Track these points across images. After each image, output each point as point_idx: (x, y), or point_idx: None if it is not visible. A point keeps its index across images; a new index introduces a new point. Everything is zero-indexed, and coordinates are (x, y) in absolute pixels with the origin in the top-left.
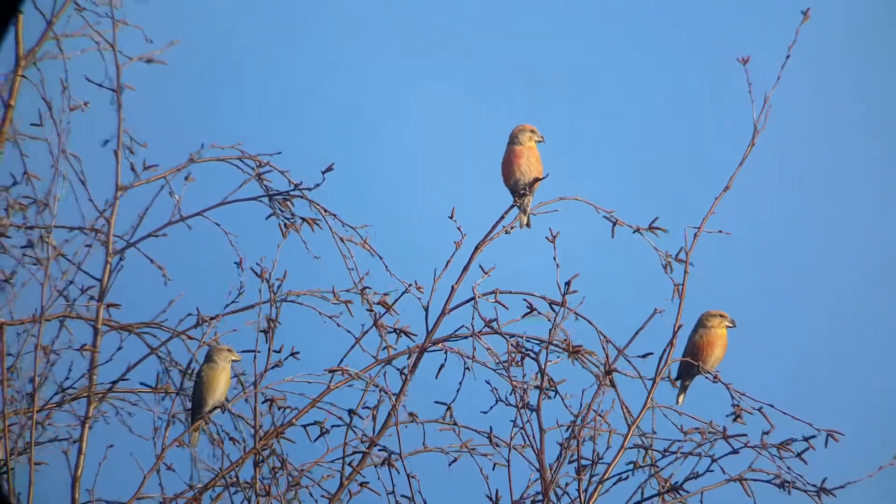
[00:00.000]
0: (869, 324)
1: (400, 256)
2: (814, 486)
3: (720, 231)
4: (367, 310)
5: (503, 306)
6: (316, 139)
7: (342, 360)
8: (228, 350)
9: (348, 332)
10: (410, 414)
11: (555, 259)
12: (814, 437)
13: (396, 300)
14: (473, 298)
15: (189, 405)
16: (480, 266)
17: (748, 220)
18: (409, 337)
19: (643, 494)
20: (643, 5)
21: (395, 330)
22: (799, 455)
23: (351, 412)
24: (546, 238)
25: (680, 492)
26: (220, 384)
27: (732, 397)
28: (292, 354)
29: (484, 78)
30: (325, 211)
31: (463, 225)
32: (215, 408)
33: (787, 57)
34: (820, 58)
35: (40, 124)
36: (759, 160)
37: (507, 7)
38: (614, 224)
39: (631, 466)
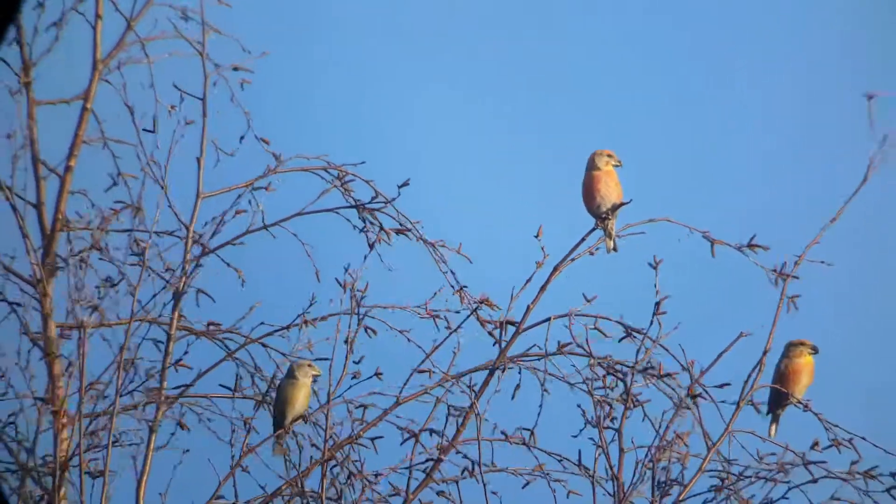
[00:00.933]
0: None
1: (468, 277)
2: None
3: (822, 262)
4: (454, 311)
5: (604, 335)
6: (392, 153)
7: (411, 376)
8: (309, 365)
9: (418, 346)
10: (502, 430)
11: (656, 286)
12: None
13: (475, 308)
14: (549, 319)
15: (272, 417)
16: (584, 294)
17: (851, 250)
18: (513, 326)
19: None
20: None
21: (501, 323)
22: (888, 490)
23: (434, 432)
24: (649, 264)
25: None
26: (299, 399)
27: (826, 428)
28: (376, 374)
29: (566, 96)
30: (409, 222)
31: (546, 246)
32: (297, 418)
33: None
34: None
35: (153, 131)
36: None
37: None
38: (712, 243)
39: (711, 488)
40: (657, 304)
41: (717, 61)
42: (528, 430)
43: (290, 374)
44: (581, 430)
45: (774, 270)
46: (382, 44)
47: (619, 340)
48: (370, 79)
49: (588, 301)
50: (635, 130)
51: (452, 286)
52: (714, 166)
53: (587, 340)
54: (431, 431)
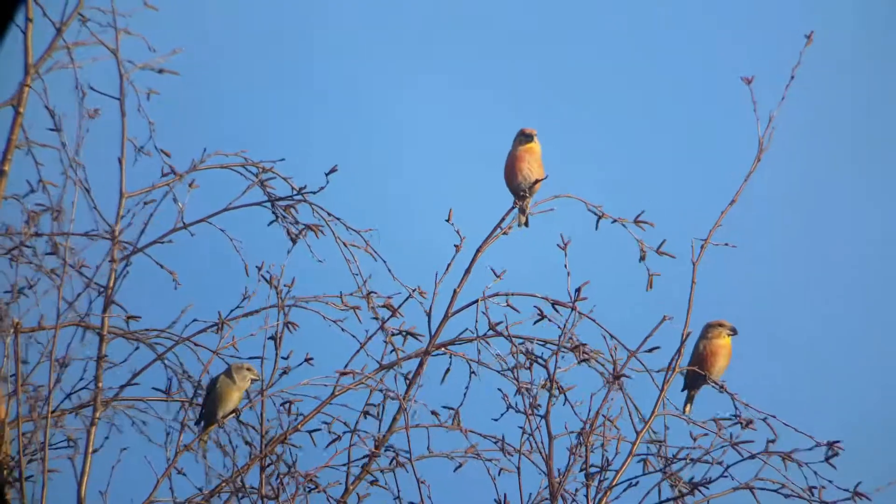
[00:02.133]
0: (872, 332)
1: (404, 260)
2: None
3: (726, 244)
4: (371, 316)
5: (515, 310)
6: (318, 144)
7: (347, 365)
8: (248, 369)
9: (353, 336)
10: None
11: (566, 266)
12: (818, 445)
13: (401, 304)
14: (477, 301)
15: (198, 413)
16: (492, 269)
17: (754, 230)
18: (415, 338)
19: (660, 496)
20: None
21: (400, 332)
22: (826, 459)
23: (368, 413)
24: (557, 245)
25: (697, 492)
26: (233, 401)
27: (737, 408)
28: (307, 360)
29: (485, 76)
30: (329, 215)
31: (464, 227)
32: (228, 414)
33: (792, 78)
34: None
35: (57, 129)
36: (766, 171)
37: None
38: (599, 217)
39: (642, 468)
40: (577, 289)
41: (725, 74)
42: (453, 409)
43: (228, 375)
44: (502, 415)
45: (643, 247)
46: (378, 42)
47: (535, 323)
48: (366, 80)
49: (498, 277)
50: (616, 116)
51: (360, 288)
52: (720, 177)
53: (506, 326)
54: (366, 413)
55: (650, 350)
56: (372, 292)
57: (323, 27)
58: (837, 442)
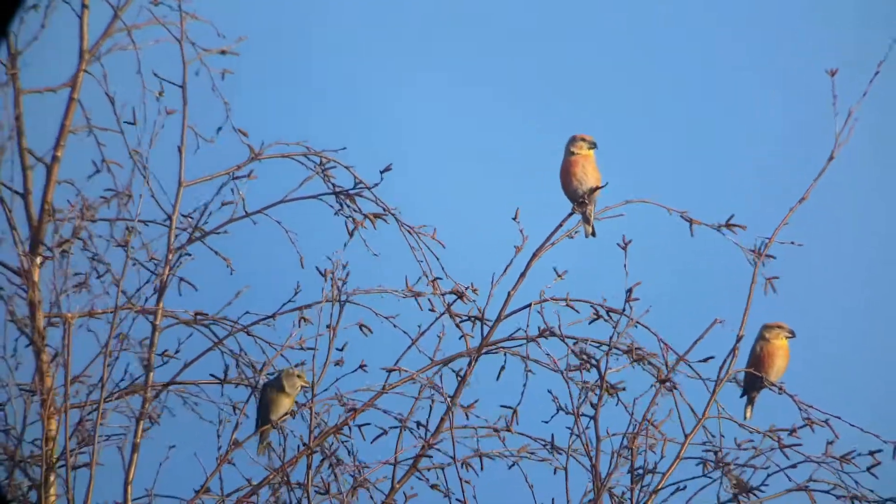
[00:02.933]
0: None
1: (454, 261)
2: (880, 498)
3: (792, 242)
4: (428, 308)
5: (575, 310)
6: (375, 138)
7: (398, 360)
8: (299, 376)
9: (404, 332)
10: (465, 409)
11: (625, 267)
12: (880, 450)
13: (466, 289)
14: (531, 305)
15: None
16: (554, 269)
17: (822, 230)
18: (483, 322)
19: (718, 500)
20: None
21: (469, 317)
22: (868, 469)
23: (414, 423)
24: (617, 244)
25: (748, 495)
26: (283, 408)
27: (800, 409)
28: (361, 367)
29: (486, 73)
30: (387, 209)
31: (523, 229)
32: (283, 416)
33: (876, 73)
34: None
35: (134, 122)
36: (837, 172)
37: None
38: (691, 223)
39: (701, 469)
40: (629, 290)
41: (697, 42)
42: (511, 408)
43: (278, 382)
44: (553, 417)
45: (752, 250)
46: (368, 30)
47: (589, 323)
48: (355, 65)
49: (559, 276)
50: (615, 114)
51: (427, 275)
52: (690, 149)
53: (559, 326)
54: (418, 424)
55: (705, 360)
56: (438, 278)
57: (322, 24)
58: (879, 451)
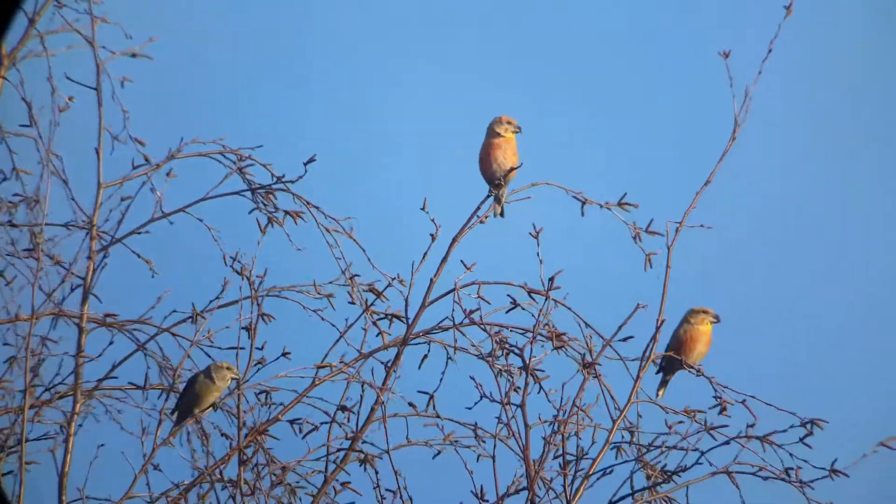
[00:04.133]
0: (854, 314)
1: (381, 249)
2: (800, 481)
3: (702, 225)
4: (348, 302)
5: (486, 301)
6: (297, 132)
7: (327, 354)
8: (228, 368)
9: (332, 325)
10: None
11: (538, 255)
12: (790, 426)
13: (385, 288)
14: (453, 291)
15: (174, 406)
16: (462, 261)
17: (732, 212)
18: (400, 321)
19: (632, 487)
20: None
21: (386, 315)
22: (801, 440)
23: (341, 407)
24: (529, 234)
25: (671, 479)
26: (209, 401)
27: (715, 390)
28: (283, 355)
29: (462, 64)
30: (308, 204)
31: (441, 216)
32: (205, 409)
33: (769, 51)
34: (801, 51)
35: (30, 125)
36: (743, 153)
37: None
38: (583, 203)
39: (617, 456)
40: (551, 278)
41: (700, 54)
42: (428, 393)
43: (207, 374)
44: (476, 403)
45: (637, 227)
46: (359, 30)
47: (507, 311)
48: (347, 69)
49: (468, 268)
50: (618, 123)
51: (344, 273)
52: (697, 160)
53: (480, 313)
54: (343, 408)
55: (625, 339)
56: (356, 275)
57: (306, 16)
58: (817, 420)
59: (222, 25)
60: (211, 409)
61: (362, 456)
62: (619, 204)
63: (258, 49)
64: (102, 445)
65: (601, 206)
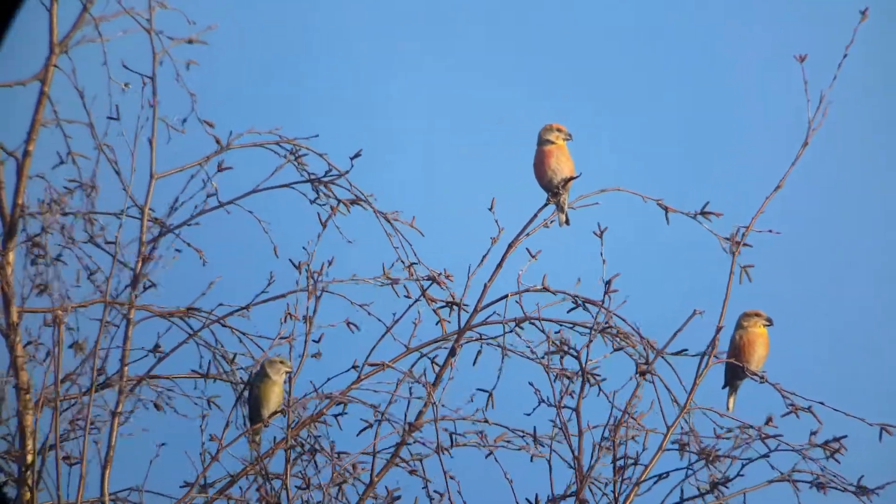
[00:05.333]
0: None
1: (427, 249)
2: (852, 484)
3: (770, 231)
4: (403, 294)
5: (551, 292)
6: (345, 125)
7: (373, 349)
8: (281, 362)
9: (379, 320)
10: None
11: (601, 255)
12: (845, 436)
13: (438, 275)
14: (507, 297)
15: (245, 415)
16: (528, 249)
17: (798, 218)
18: (460, 308)
19: (682, 496)
20: None
21: (447, 303)
22: (831, 455)
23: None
24: (594, 233)
25: (726, 487)
26: (273, 398)
27: (784, 397)
28: (314, 356)
29: (468, 61)
30: (363, 195)
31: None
32: (273, 414)
33: (845, 56)
34: (878, 57)
35: (117, 118)
36: (813, 159)
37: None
38: (666, 211)
39: (681, 456)
40: (608, 281)
41: (771, 57)
42: (486, 391)
43: (263, 373)
44: (535, 409)
45: (728, 238)
46: (345, 17)
47: (567, 312)
48: (326, 51)
49: (533, 257)
50: (589, 103)
51: (403, 261)
52: (764, 164)
53: (538, 314)
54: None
55: (678, 353)
56: (414, 263)
57: (312, 13)
58: (844, 437)
59: (230, 23)
60: (278, 414)
61: (408, 467)
62: (703, 213)
63: (262, 45)
64: (164, 444)
65: (690, 216)
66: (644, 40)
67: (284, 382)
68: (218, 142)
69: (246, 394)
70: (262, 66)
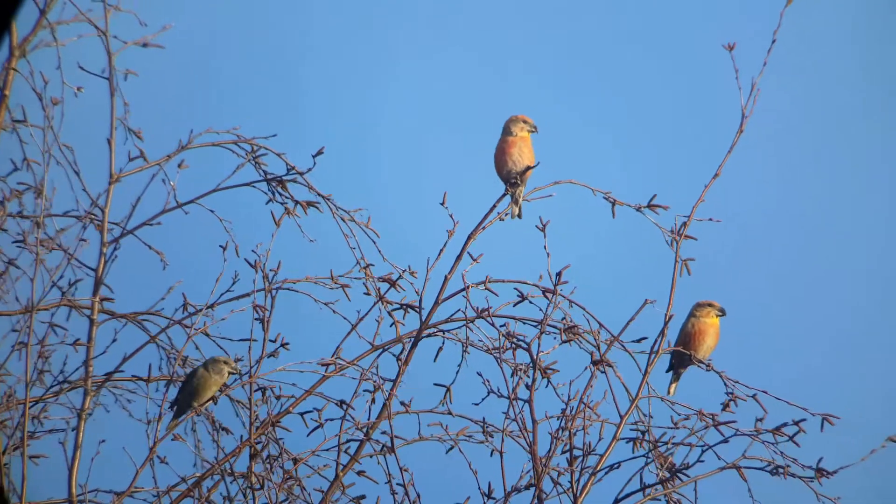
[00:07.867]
0: (865, 310)
1: (392, 243)
2: (810, 467)
3: (710, 219)
4: (363, 293)
5: (494, 294)
6: (308, 123)
7: (338, 347)
8: (225, 362)
9: (344, 318)
10: (402, 403)
11: (545, 248)
12: (804, 420)
13: (398, 278)
14: (466, 288)
15: (173, 400)
16: (469, 254)
17: (740, 206)
18: (414, 311)
19: (642, 482)
20: None
21: (401, 306)
22: (791, 438)
23: (344, 403)
24: (536, 227)
25: (680, 475)
26: (208, 394)
27: (726, 385)
28: (282, 346)
29: (480, 62)
30: (320, 195)
31: (456, 213)
32: (205, 402)
33: (773, 42)
34: (808, 41)
35: (24, 121)
36: (751, 146)
37: None
38: (613, 204)
39: (633, 449)
40: (559, 273)
41: (706, 47)
42: (444, 385)
43: (206, 368)
44: (483, 399)
45: (672, 231)
46: (371, 24)
47: (514, 305)
48: (359, 61)
49: (475, 260)
50: (624, 120)
51: (360, 262)
52: (704, 154)
53: (488, 308)
54: (343, 403)
55: (638, 340)
56: (370, 265)
57: (306, 9)
58: (803, 420)
59: (221, 18)
60: (210, 402)
61: (381, 444)
62: (650, 206)
63: (256, 40)
64: (103, 441)
65: (636, 209)
66: (595, 36)
67: (235, 382)
68: (142, 154)
69: (182, 381)
70: (250, 63)
